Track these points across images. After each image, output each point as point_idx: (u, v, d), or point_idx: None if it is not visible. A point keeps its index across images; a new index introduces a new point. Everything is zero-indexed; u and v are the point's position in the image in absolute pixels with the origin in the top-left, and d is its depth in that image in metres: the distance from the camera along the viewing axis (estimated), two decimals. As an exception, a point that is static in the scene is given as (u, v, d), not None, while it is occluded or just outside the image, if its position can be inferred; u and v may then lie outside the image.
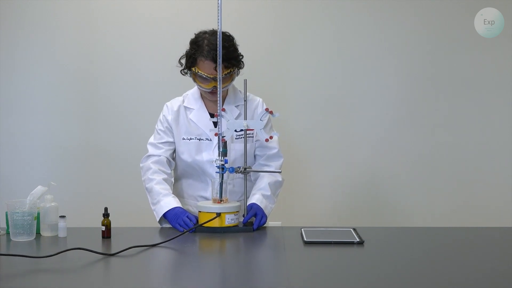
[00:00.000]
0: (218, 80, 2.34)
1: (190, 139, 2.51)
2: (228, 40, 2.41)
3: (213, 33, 2.41)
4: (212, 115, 2.51)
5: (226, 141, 2.33)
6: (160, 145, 2.52)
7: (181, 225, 2.30)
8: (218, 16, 2.29)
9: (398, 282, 1.70)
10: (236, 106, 2.53)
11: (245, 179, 2.36)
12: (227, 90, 2.53)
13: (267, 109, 2.32)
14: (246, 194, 2.37)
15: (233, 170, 2.33)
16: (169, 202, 2.39)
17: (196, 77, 2.43)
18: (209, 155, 2.48)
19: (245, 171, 2.35)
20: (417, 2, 3.64)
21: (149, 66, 3.65)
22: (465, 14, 3.57)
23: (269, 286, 1.69)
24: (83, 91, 3.67)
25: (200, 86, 2.44)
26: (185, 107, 2.55)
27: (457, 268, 1.83)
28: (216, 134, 2.34)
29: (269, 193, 2.46)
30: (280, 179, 2.52)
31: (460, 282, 1.69)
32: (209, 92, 2.45)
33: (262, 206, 2.40)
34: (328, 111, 3.68)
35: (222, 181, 2.31)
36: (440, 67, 3.67)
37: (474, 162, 3.69)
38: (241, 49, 2.48)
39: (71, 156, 3.66)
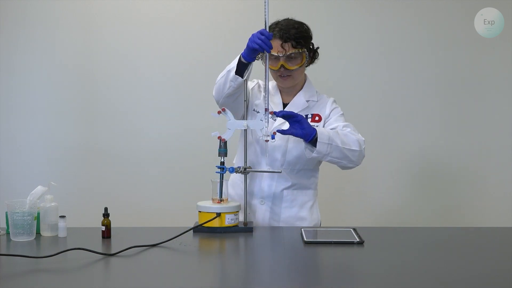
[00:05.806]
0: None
1: (254, 110, 2.52)
2: (301, 24, 2.50)
3: (285, 19, 2.50)
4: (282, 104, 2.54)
5: (226, 141, 2.33)
6: None
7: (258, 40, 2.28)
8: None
9: (398, 282, 1.69)
10: (307, 101, 2.55)
11: (245, 179, 2.36)
12: (302, 81, 2.56)
13: (267, 110, 2.31)
14: (246, 194, 2.37)
15: (233, 170, 2.33)
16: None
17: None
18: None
19: (245, 171, 2.35)
20: (417, 2, 3.64)
21: (149, 66, 3.66)
22: (465, 14, 3.57)
23: (269, 286, 1.69)
24: (83, 91, 3.67)
25: (270, 69, 2.44)
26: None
27: (457, 268, 1.83)
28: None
29: (336, 132, 2.40)
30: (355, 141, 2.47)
31: (460, 282, 1.69)
32: (280, 76, 2.47)
33: (318, 129, 2.32)
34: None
35: (222, 181, 2.31)
36: (439, 67, 3.67)
37: (474, 162, 3.70)
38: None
39: (71, 156, 3.67)
